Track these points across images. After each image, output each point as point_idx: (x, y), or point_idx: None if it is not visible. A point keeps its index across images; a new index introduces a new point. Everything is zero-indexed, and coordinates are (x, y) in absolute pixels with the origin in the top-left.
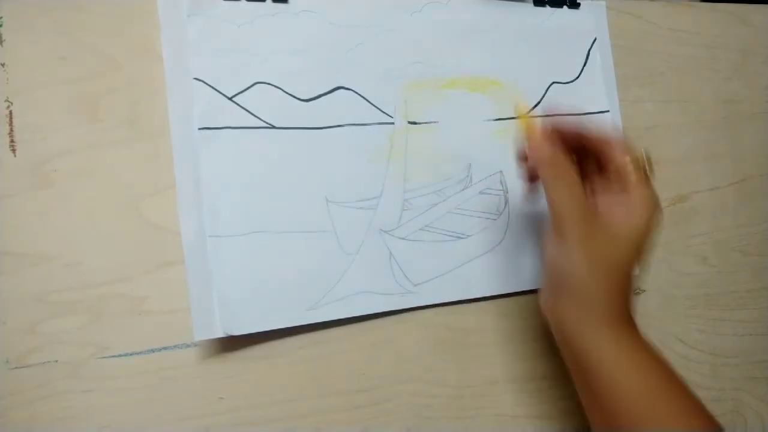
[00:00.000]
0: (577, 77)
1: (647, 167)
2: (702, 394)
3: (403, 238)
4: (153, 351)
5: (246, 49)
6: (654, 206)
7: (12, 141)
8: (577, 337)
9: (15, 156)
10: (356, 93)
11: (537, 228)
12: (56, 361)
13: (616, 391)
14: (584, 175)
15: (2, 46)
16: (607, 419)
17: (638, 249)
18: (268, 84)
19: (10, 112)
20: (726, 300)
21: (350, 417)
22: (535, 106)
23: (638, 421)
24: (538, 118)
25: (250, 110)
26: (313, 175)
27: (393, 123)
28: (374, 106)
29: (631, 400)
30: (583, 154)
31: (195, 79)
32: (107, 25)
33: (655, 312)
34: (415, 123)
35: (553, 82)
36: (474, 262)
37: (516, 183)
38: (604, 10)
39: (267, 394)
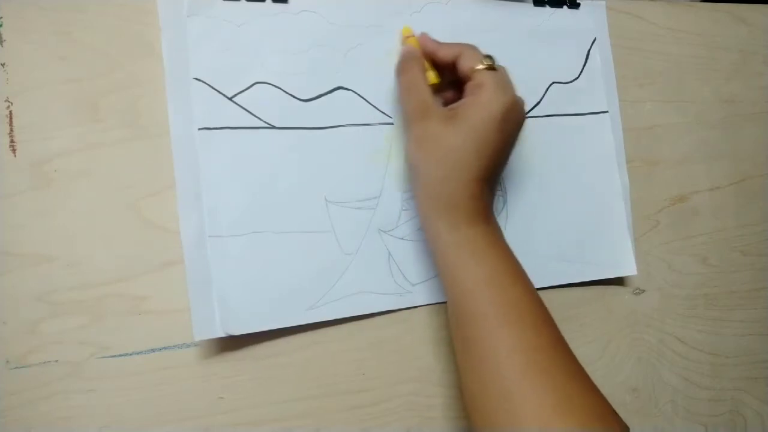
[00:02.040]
0: (577, 77)
1: (492, 64)
2: (702, 394)
3: (402, 238)
4: (153, 351)
5: (246, 49)
6: (499, 97)
7: (12, 141)
8: (423, 226)
9: (15, 156)
10: (356, 93)
11: (536, 226)
12: (56, 361)
13: (453, 284)
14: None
15: (2, 46)
16: (452, 320)
17: (481, 140)
18: (268, 84)
19: (10, 112)
20: (726, 300)
21: (350, 417)
22: (535, 106)
23: (469, 320)
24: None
25: (250, 110)
26: (313, 175)
27: (393, 123)
28: (374, 106)
29: (465, 295)
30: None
31: (195, 79)
32: (107, 25)
33: (655, 312)
34: None
35: (553, 82)
36: None
37: (514, 183)
38: (604, 10)
39: (267, 393)
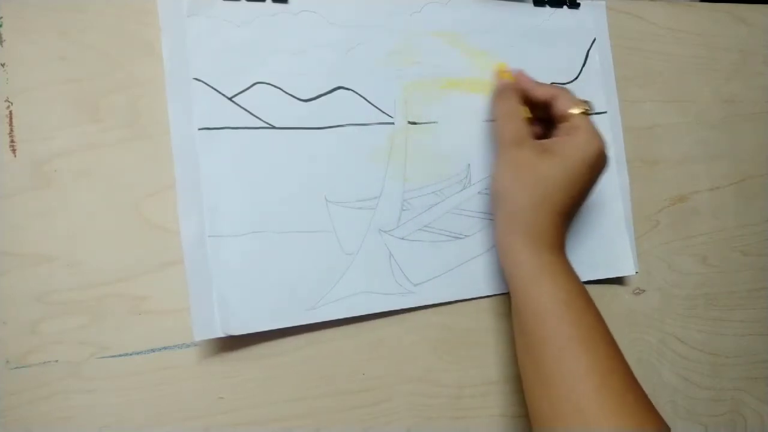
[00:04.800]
0: (577, 77)
1: (586, 109)
2: (702, 394)
3: (403, 238)
4: (153, 351)
5: (246, 49)
6: (594, 141)
7: (12, 141)
8: (503, 251)
9: (15, 156)
10: (356, 93)
11: None
12: (56, 361)
13: (526, 305)
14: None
15: (2, 46)
16: (521, 340)
17: (574, 177)
18: (268, 84)
19: (10, 112)
20: (726, 300)
21: (350, 417)
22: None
23: (541, 339)
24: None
25: (250, 110)
26: (313, 175)
27: (393, 123)
28: (374, 106)
29: (537, 316)
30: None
31: (195, 79)
32: (107, 25)
33: (655, 312)
34: (414, 123)
35: (552, 83)
36: (473, 262)
37: None
38: (604, 10)
39: (267, 393)
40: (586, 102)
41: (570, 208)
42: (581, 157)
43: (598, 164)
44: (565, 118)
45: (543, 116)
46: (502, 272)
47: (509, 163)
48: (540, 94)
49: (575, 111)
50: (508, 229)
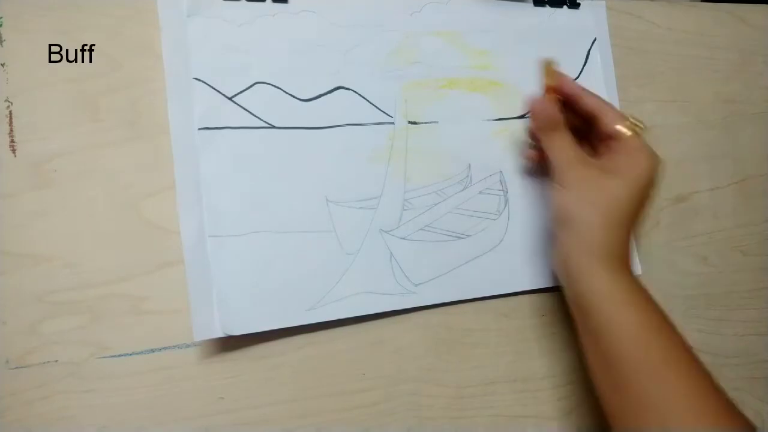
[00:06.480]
0: (577, 77)
1: (639, 127)
2: None
3: (404, 238)
4: (153, 351)
5: (246, 49)
6: (654, 160)
7: (12, 141)
8: (576, 274)
9: (15, 156)
10: (356, 93)
11: (537, 226)
12: (56, 361)
13: (610, 330)
14: (581, 135)
15: (2, 46)
16: (604, 365)
17: (640, 196)
18: (268, 84)
19: (10, 112)
20: (726, 300)
21: (350, 417)
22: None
23: (631, 366)
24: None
25: (250, 110)
26: (313, 175)
27: (393, 123)
28: (374, 106)
29: (624, 341)
30: (580, 116)
31: (195, 79)
32: (107, 25)
33: None
34: (415, 123)
35: None
36: (474, 262)
37: (516, 183)
38: (604, 10)
39: (267, 394)
40: (636, 121)
41: (636, 226)
42: (646, 178)
43: (656, 182)
44: (613, 134)
45: (579, 125)
46: (567, 295)
47: (574, 184)
48: (587, 105)
49: (626, 131)
50: (580, 251)
